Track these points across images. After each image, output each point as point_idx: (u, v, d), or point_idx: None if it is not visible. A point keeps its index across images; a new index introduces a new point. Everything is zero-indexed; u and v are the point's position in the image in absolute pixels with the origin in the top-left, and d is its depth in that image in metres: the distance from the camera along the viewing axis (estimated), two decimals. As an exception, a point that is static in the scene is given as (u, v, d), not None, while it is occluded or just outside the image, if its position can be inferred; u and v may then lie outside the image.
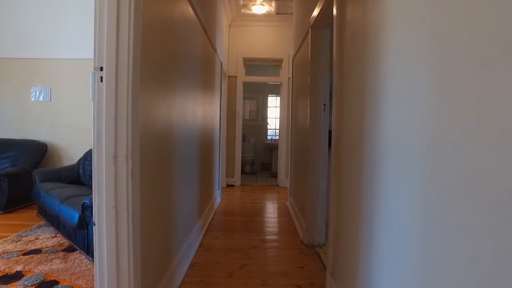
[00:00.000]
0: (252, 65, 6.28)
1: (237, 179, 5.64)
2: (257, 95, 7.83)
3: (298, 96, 3.72)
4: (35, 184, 3.23)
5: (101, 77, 1.21)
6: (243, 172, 6.84)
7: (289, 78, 5.48)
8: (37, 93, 4.19)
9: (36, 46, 4.16)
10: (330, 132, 2.83)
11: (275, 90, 7.68)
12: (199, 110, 2.91)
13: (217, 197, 4.34)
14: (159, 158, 1.69)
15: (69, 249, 2.43)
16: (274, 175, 6.75)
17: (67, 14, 4.15)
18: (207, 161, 3.47)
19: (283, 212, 3.97)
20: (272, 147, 7.52)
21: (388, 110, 1.16)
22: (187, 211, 2.45)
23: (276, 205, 4.38)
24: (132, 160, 1.25)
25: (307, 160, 2.99)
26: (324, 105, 2.77)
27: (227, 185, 5.56)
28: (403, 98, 1.06)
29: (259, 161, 7.79)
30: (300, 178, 3.46)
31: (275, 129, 7.97)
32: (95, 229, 1.24)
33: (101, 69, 1.21)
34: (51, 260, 2.18)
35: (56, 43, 4.16)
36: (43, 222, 3.09)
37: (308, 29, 2.88)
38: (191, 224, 2.61)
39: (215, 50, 3.82)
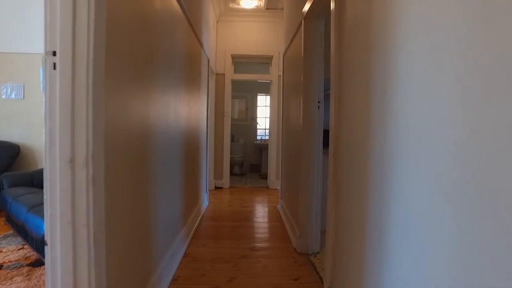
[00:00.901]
0: (241, 62, 6.07)
1: (225, 181, 5.41)
2: (246, 94, 7.62)
3: (290, 93, 3.53)
4: (3, 189, 2.94)
5: (54, 64, 0.98)
6: (232, 173, 6.61)
7: (279, 75, 5.28)
8: (9, 91, 3.87)
9: (7, 39, 3.85)
10: (325, 131, 2.64)
11: (265, 88, 7.48)
12: (183, 109, 2.68)
13: (205, 201, 4.11)
14: (133, 161, 1.46)
15: (36, 263, 2.17)
16: (264, 177, 6.55)
17: (41, 6, 3.84)
18: (192, 163, 3.24)
19: (274, 217, 3.77)
20: (261, 148, 7.32)
21: (405, 108, 0.97)
22: (169, 219, 2.23)
23: (266, 209, 4.17)
24: (93, 164, 1.02)
25: (299, 161, 2.80)
26: (319, 102, 2.58)
27: (216, 187, 5.33)
28: (425, 95, 0.87)
29: (249, 162, 7.57)
30: (292, 180, 3.26)
31: (265, 129, 7.77)
32: (47, 249, 1.01)
33: (54, 53, 0.98)
34: (11, 278, 1.92)
35: (29, 36, 3.85)
36: (11, 231, 2.81)
37: (301, 20, 2.68)
38: (174, 232, 2.38)
39: (201, 45, 3.59)
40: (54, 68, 0.98)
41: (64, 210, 1.00)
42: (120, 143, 1.30)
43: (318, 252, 2.63)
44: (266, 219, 3.69)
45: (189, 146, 2.98)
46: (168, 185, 2.19)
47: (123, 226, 1.34)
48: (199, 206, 3.59)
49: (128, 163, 1.39)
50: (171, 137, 2.25)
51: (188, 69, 2.89)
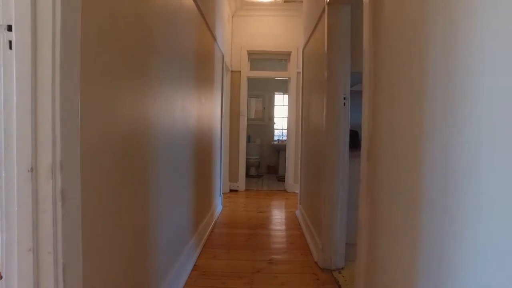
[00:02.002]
0: (257, 59, 5.81)
1: (241, 184, 5.16)
2: (263, 93, 7.35)
3: (310, 91, 3.24)
4: None
5: (10, 42, 0.75)
6: (247, 175, 6.37)
7: (298, 72, 4.99)
8: None
9: None
10: (351, 131, 2.34)
11: (283, 87, 7.20)
12: (194, 108, 2.44)
13: (218, 205, 3.87)
14: (127, 167, 1.22)
15: None
16: (281, 179, 6.26)
17: None
18: (205, 166, 3.00)
19: (292, 224, 3.49)
20: (279, 149, 7.04)
21: (490, 104, 0.68)
22: (177, 228, 1.99)
23: (284, 214, 3.89)
24: (63, 174, 0.78)
25: (321, 165, 2.51)
26: (344, 98, 2.28)
27: (230, 190, 5.09)
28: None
29: (265, 164, 7.30)
30: (313, 185, 2.97)
31: (283, 129, 7.48)
32: (2, 283, 0.77)
33: (9, 28, 0.75)
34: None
35: None
36: None
37: (324, 7, 2.39)
38: (183, 242, 2.14)
39: (214, 39, 3.35)
40: (10, 48, 0.75)
41: (23, 234, 0.76)
42: (107, 146, 1.06)
43: (342, 268, 2.33)
44: (284, 227, 3.41)
45: (200, 147, 2.75)
46: (175, 190, 1.95)
47: (112, 247, 1.11)
48: (212, 212, 3.36)
49: (119, 170, 1.15)
50: (178, 138, 2.01)
51: (199, 63, 2.65)
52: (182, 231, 2.16)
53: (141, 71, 1.36)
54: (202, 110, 2.80)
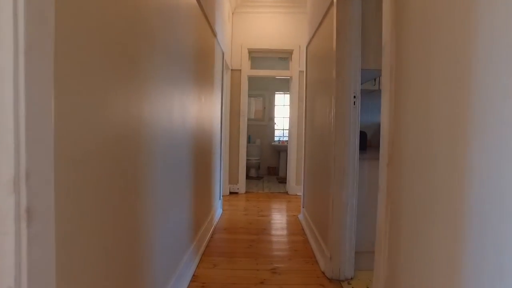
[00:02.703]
0: (258, 58, 5.67)
1: (241, 186, 5.00)
2: (263, 93, 7.20)
3: (316, 90, 3.08)
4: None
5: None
6: (247, 176, 6.22)
7: (300, 71, 4.84)
8: None
9: None
10: (360, 133, 2.19)
11: (283, 87, 7.06)
12: (193, 107, 2.28)
13: (218, 209, 3.71)
14: (115, 173, 1.06)
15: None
16: (282, 180, 6.11)
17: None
18: (204, 168, 2.84)
19: (295, 229, 3.33)
20: (279, 150, 6.89)
21: None
22: (174, 238, 1.83)
23: (286, 218, 3.73)
24: (30, 186, 0.62)
25: (328, 168, 2.35)
26: (354, 97, 2.12)
27: (230, 193, 4.93)
28: None
29: (266, 165, 7.15)
30: (318, 188, 2.82)
31: (283, 129, 7.33)
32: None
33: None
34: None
35: None
36: None
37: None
38: (180, 253, 1.99)
39: (215, 35, 3.19)
40: (-40, 27, 0.59)
41: (-23, 263, 0.60)
42: (96, 149, 0.90)
43: (352, 278, 2.18)
44: (286, 231, 3.25)
45: (200, 148, 2.59)
46: (173, 196, 1.79)
47: (98, 272, 0.95)
48: (211, 216, 3.20)
49: (109, 176, 0.99)
50: (176, 138, 1.85)
51: (199, 60, 2.49)
52: (180, 240, 2.00)
53: (136, 65, 1.20)
54: (202, 109, 2.64)
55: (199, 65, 2.49)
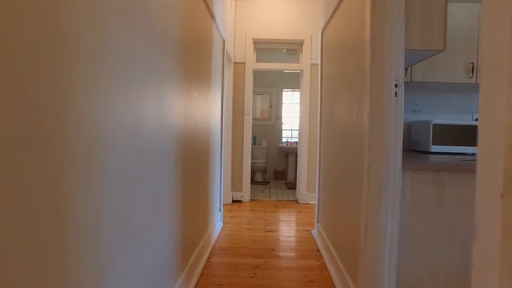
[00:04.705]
0: (264, 49, 5.13)
1: (245, 193, 4.45)
2: (269, 90, 6.65)
3: (335, 83, 2.53)
4: None
5: None
6: (252, 181, 5.69)
7: (312, 64, 4.29)
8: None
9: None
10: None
11: (292, 83, 6.50)
12: (179, 102, 1.75)
13: (218, 222, 3.17)
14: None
15: None
16: (291, 186, 5.56)
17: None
18: (198, 177, 2.31)
19: (309, 249, 2.77)
20: (288, 152, 6.34)
21: None
22: (152, 274, 1.30)
23: (297, 234, 3.18)
24: None
25: (356, 179, 1.81)
26: (396, 86, 1.57)
27: (233, 201, 4.39)
28: None
29: (272, 168, 6.60)
30: (339, 203, 2.27)
31: (292, 130, 6.77)
32: None
33: None
34: None
35: None
36: None
37: (365, -43, 1.69)
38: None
39: (212, 17, 2.66)
40: None
41: None
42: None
43: (391, 329, 1.62)
44: (299, 253, 2.70)
45: (192, 152, 2.05)
46: (142, 219, 1.26)
47: None
48: (209, 233, 2.66)
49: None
50: (151, 141, 1.32)
51: (190, 45, 1.96)
52: (161, 275, 1.47)
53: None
54: (195, 106, 2.10)
55: (189, 49, 1.96)
